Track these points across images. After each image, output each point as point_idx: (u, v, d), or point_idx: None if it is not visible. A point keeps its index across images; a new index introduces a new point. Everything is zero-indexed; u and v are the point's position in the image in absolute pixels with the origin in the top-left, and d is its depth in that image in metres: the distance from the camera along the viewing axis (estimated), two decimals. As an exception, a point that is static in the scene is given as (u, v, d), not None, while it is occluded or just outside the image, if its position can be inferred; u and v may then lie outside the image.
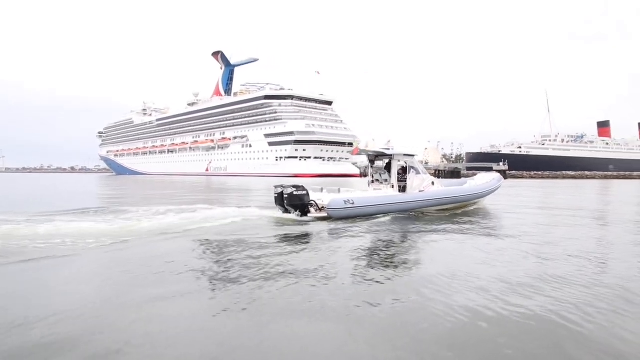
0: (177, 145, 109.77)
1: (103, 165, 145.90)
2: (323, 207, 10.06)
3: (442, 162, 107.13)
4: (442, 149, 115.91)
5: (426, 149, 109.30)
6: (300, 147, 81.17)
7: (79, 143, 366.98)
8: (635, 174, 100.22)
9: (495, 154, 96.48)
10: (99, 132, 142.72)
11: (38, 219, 8.53)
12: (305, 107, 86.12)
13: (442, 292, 4.06)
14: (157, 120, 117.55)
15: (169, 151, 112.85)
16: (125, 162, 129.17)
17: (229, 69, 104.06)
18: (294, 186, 9.97)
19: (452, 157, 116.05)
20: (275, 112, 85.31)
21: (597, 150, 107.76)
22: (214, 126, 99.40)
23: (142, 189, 29.71)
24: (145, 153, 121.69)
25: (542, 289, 4.19)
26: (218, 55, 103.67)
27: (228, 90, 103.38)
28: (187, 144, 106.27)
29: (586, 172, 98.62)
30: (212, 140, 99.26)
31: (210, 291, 4.16)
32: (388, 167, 12.29)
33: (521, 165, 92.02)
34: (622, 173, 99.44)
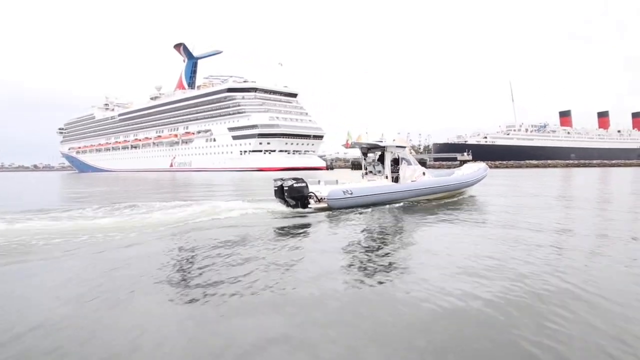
0: (140, 140, 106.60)
1: (68, 162, 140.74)
2: (322, 198, 10.27)
3: (411, 152, 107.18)
4: (411, 140, 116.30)
5: (394, 140, 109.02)
6: (265, 140, 79.79)
7: (41, 138, 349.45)
8: (594, 162, 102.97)
9: (461, 144, 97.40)
10: (60, 129, 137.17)
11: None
12: (270, 100, 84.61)
13: (420, 284, 4.07)
14: (120, 115, 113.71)
15: (132, 147, 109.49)
16: (88, 159, 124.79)
17: (192, 62, 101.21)
18: (293, 179, 10.19)
19: (420, 148, 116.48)
20: (239, 105, 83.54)
21: (559, 139, 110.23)
22: (178, 120, 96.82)
23: (94, 187, 27.88)
24: (108, 149, 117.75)
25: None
26: (180, 47, 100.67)
27: (191, 84, 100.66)
28: (151, 139, 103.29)
29: (549, 160, 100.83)
30: (176, 135, 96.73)
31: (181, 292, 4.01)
32: (381, 159, 12.64)
33: (487, 155, 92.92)
34: (582, 161, 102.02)
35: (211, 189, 21.91)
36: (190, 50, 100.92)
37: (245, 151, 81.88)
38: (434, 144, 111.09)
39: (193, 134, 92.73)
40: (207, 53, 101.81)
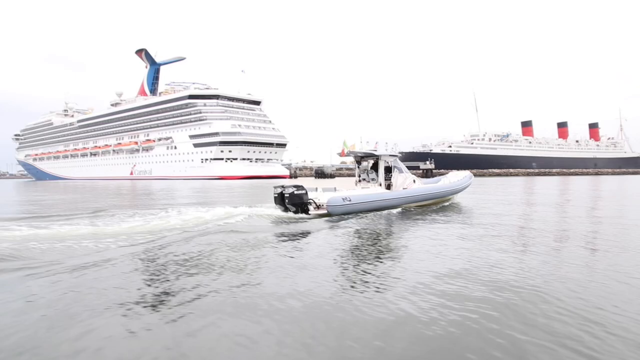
0: (100, 148, 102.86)
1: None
2: (320, 204, 10.84)
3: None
4: (376, 150, 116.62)
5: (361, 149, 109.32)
6: (226, 148, 78.19)
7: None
8: (554, 170, 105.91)
9: (426, 153, 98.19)
10: (16, 135, 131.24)
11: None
12: (232, 107, 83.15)
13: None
14: (79, 121, 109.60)
15: (91, 154, 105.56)
16: (45, 166, 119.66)
17: (154, 68, 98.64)
18: (294, 186, 10.62)
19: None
20: (200, 112, 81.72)
21: (521, 148, 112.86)
22: (138, 127, 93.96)
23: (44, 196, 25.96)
24: (66, 156, 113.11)
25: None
26: (142, 53, 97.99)
27: (153, 90, 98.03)
28: (110, 146, 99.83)
29: (511, 169, 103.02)
30: (136, 142, 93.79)
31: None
32: (374, 167, 13.25)
33: (452, 163, 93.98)
34: (542, 170, 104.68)
35: (171, 199, 20.46)
36: (153, 57, 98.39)
37: (206, 159, 80.00)
38: (400, 153, 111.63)
39: (154, 141, 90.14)
40: (169, 60, 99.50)
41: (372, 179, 13.22)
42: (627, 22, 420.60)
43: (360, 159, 13.48)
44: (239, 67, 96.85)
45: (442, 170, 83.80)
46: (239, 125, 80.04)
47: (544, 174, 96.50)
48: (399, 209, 12.02)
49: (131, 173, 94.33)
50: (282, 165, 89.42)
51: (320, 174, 79.46)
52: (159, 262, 5.54)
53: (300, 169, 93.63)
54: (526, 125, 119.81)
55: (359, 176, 13.68)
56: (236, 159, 78.59)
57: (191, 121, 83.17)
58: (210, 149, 79.19)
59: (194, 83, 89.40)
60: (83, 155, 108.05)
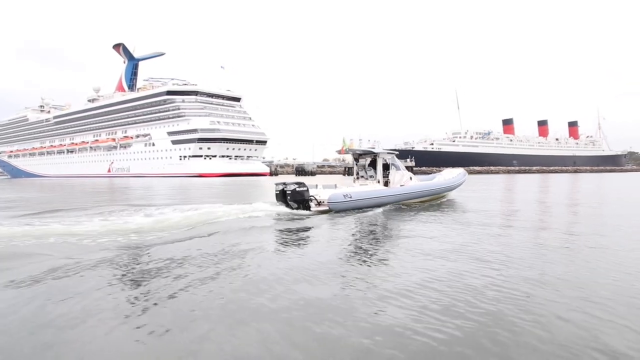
0: (76, 144, 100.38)
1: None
2: (321, 201, 11.04)
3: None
4: (360, 146, 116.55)
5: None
6: (205, 145, 76.98)
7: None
8: (534, 168, 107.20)
9: (408, 150, 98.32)
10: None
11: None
12: (212, 104, 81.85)
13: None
14: (55, 117, 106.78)
15: (68, 151, 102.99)
16: (21, 163, 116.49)
17: (133, 63, 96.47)
18: (296, 183, 10.90)
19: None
20: (179, 109, 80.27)
21: (502, 146, 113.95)
22: (116, 124, 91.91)
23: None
24: (42, 153, 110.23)
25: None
26: (119, 47, 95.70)
27: (132, 86, 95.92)
28: (87, 143, 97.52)
29: (492, 167, 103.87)
30: (114, 139, 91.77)
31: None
32: (372, 164, 13.50)
33: (433, 161, 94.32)
34: (523, 168, 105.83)
35: (149, 197, 19.78)
36: (131, 51, 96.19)
37: (184, 156, 78.70)
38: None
39: (131, 138, 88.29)
40: (148, 55, 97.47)
41: (371, 176, 13.54)
42: (612, 21, 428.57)
43: (358, 156, 13.84)
44: (219, 64, 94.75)
45: (424, 168, 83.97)
46: (218, 122, 78.85)
47: (524, 172, 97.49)
48: (397, 206, 12.41)
49: (109, 170, 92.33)
50: (263, 162, 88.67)
51: (300, 171, 79.01)
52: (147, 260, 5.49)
53: (282, 167, 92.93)
54: (507, 123, 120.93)
55: (357, 173, 13.94)
56: (215, 156, 77.45)
57: (169, 118, 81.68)
58: (189, 146, 77.89)
59: (172, 79, 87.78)
60: (59, 152, 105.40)
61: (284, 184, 11.03)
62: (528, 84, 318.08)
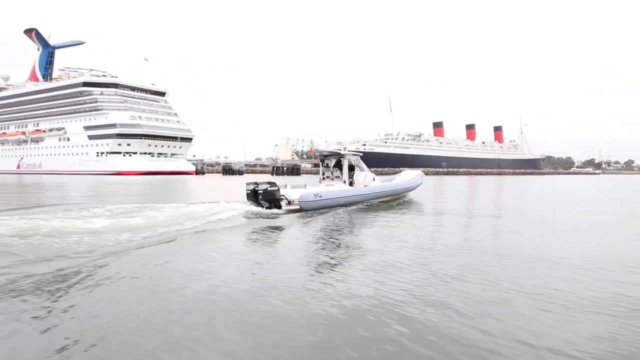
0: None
1: None
2: (292, 200, 11.32)
3: (293, 158, 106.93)
4: (293, 145, 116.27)
5: (276, 145, 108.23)
6: (124, 141, 72.68)
7: None
8: (461, 170, 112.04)
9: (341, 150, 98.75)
10: None
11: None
12: (133, 98, 77.49)
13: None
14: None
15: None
16: None
17: (48, 51, 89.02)
18: (267, 183, 11.12)
19: (302, 154, 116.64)
20: (96, 102, 75.20)
21: (433, 148, 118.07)
22: (27, 116, 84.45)
23: None
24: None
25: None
26: (32, 33, 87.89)
27: (47, 76, 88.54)
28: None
29: (421, 168, 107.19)
30: (24, 133, 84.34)
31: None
32: (337, 165, 14.07)
33: (365, 162, 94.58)
34: (451, 170, 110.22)
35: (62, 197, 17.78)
36: (46, 38, 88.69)
37: (102, 152, 73.85)
38: (315, 150, 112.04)
39: (44, 131, 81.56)
40: (66, 43, 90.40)
41: (337, 177, 13.99)
42: (531, 36, 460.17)
43: (324, 157, 14.31)
44: (146, 56, 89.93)
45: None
46: (140, 117, 74.76)
47: (452, 174, 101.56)
48: (363, 206, 13.08)
49: (18, 167, 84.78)
50: (193, 160, 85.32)
51: (228, 170, 76.78)
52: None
53: (212, 165, 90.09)
54: (437, 126, 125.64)
55: (323, 174, 14.36)
56: (136, 153, 73.37)
57: (86, 111, 76.30)
58: (107, 141, 73.16)
59: (91, 70, 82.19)
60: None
61: (256, 183, 11.25)
62: (458, 88, 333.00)
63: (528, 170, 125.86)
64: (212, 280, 4.59)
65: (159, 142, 75.48)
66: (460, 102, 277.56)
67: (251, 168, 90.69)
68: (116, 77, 78.89)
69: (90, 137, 75.30)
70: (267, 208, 11.04)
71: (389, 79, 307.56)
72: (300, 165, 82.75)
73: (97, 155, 74.35)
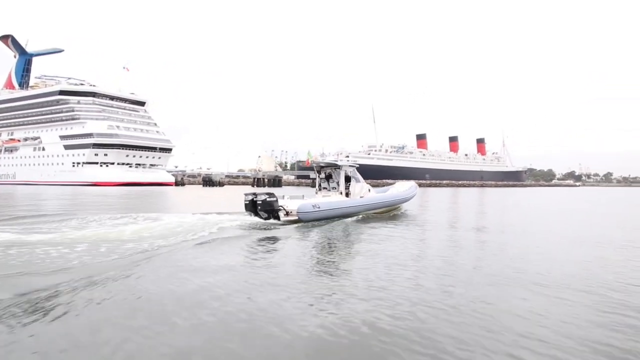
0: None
1: None
2: (290, 211, 11.41)
3: (276, 169, 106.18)
4: (277, 157, 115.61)
5: (259, 156, 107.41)
6: (101, 151, 71.09)
7: None
8: (444, 182, 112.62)
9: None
10: None
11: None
12: (111, 107, 76.07)
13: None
14: None
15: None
16: None
17: (25, 58, 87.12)
18: (266, 193, 11.34)
19: (286, 165, 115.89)
20: (73, 111, 73.59)
21: (416, 160, 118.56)
22: (1, 125, 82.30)
23: None
24: None
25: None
26: (8, 39, 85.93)
27: (24, 84, 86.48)
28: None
29: (405, 180, 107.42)
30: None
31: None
32: (330, 176, 14.17)
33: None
34: (434, 182, 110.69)
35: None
36: (23, 45, 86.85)
37: (78, 163, 72.04)
38: (297, 162, 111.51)
39: (19, 141, 79.46)
40: (44, 50, 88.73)
41: (333, 188, 14.02)
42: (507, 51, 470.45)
43: (320, 168, 14.28)
44: (127, 65, 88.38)
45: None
46: (118, 127, 73.27)
47: (435, 185, 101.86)
48: (360, 216, 13.12)
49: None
50: (175, 172, 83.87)
51: (208, 181, 75.49)
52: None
53: (195, 176, 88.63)
54: (421, 138, 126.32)
55: (319, 185, 14.41)
56: (113, 163, 71.78)
57: (63, 120, 74.59)
58: (83, 151, 71.47)
59: (69, 78, 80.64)
60: None
61: (254, 194, 11.36)
62: (441, 99, 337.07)
63: (510, 182, 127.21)
64: (206, 294, 4.59)
65: (138, 153, 74.05)
66: (443, 114, 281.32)
67: (233, 180, 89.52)
68: (94, 85, 77.54)
69: (67, 147, 73.50)
70: (265, 219, 11.21)
71: (372, 87, 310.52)
72: (281, 177, 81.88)
73: (73, 166, 72.55)
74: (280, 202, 11.47)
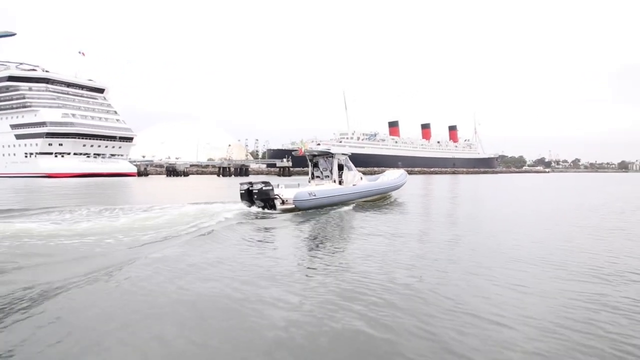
0: None
1: None
2: (286, 200, 11.61)
3: (247, 158, 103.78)
4: (247, 145, 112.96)
5: (230, 145, 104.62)
6: (55, 140, 67.38)
7: None
8: (416, 169, 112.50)
9: (295, 150, 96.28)
10: None
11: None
12: (67, 94, 72.18)
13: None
14: None
15: None
16: None
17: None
18: (262, 182, 11.31)
19: (258, 154, 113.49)
20: (24, 98, 69.36)
21: (388, 147, 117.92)
22: (-54, 113, 77.09)
23: None
24: None
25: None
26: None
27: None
28: None
29: (376, 167, 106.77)
30: (-59, 131, 76.87)
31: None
32: (316, 165, 14.69)
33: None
34: (407, 169, 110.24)
35: None
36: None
37: (31, 153, 68.06)
38: (269, 150, 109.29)
39: (-35, 130, 74.65)
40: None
41: (326, 176, 14.22)
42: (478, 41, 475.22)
43: (313, 157, 14.40)
44: (83, 50, 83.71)
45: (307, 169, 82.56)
46: (73, 115, 69.52)
47: (408, 173, 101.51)
48: (353, 205, 13.24)
49: (-64, 169, 77.16)
50: (141, 162, 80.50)
51: (172, 171, 72.80)
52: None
53: (161, 166, 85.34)
54: (393, 125, 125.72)
55: (313, 173, 14.54)
56: (69, 153, 68.15)
57: (12, 108, 70.22)
58: (36, 141, 67.56)
59: (20, 63, 75.78)
60: None
61: (250, 183, 11.36)
62: (414, 88, 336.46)
63: (482, 170, 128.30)
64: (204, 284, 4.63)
65: (96, 142, 70.61)
66: (415, 101, 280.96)
67: (201, 169, 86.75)
68: (48, 71, 73.11)
69: (18, 137, 69.37)
70: (262, 208, 11.28)
71: (344, 77, 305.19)
72: (248, 166, 79.77)
73: (26, 156, 68.62)
74: (276, 191, 11.54)
